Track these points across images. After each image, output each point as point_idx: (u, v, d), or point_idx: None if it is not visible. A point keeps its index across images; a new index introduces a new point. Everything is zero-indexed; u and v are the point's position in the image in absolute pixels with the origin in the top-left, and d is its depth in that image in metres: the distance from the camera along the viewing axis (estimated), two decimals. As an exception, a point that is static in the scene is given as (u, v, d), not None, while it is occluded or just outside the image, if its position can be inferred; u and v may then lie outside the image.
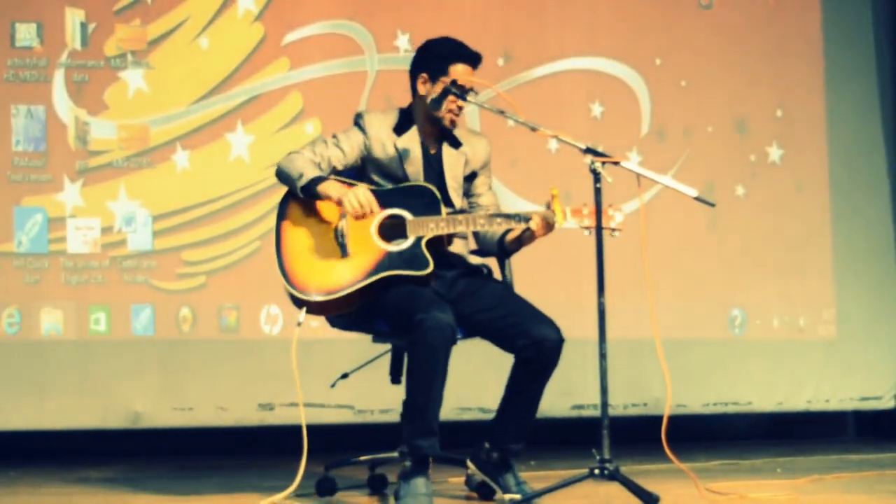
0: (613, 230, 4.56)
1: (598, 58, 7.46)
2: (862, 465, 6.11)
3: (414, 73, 4.85)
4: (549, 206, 4.60)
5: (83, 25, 6.77)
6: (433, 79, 4.79)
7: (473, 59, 4.81)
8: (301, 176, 4.65)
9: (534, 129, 4.70)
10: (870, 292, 7.83)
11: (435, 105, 4.77)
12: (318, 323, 4.96)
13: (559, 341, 4.61)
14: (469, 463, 4.80)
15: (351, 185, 4.68)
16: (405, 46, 6.99)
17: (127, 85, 6.80)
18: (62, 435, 6.63)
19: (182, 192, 6.82)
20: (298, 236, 4.71)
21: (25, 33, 6.71)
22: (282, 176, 4.73)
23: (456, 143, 4.89)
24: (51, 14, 6.72)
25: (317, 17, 7.05)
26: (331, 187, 4.62)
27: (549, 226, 4.64)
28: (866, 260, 7.84)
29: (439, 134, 4.86)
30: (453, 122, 4.81)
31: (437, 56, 4.82)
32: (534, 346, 4.60)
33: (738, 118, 7.68)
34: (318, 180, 4.63)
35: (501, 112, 4.84)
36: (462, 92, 4.75)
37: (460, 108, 4.79)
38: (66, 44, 6.74)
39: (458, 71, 4.77)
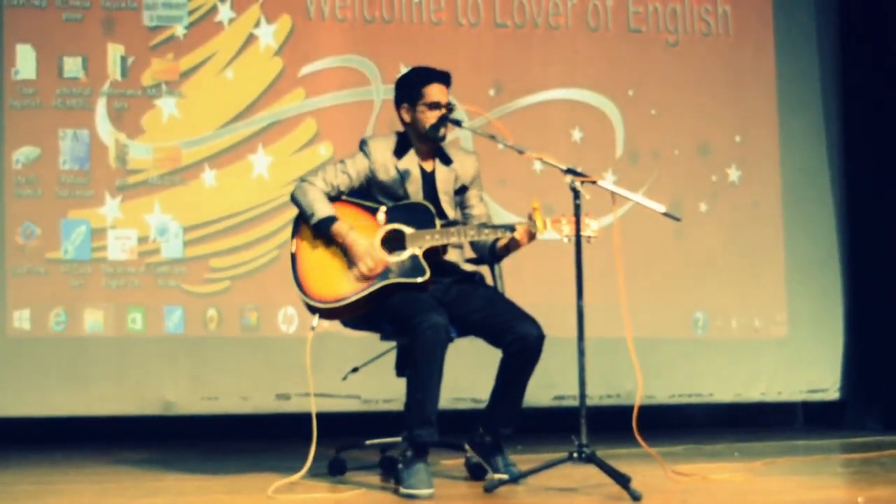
0: (589, 238, 4.56)
1: (578, 89, 7.46)
2: (809, 450, 6.10)
3: (397, 106, 4.87)
4: (530, 218, 4.61)
5: (123, 59, 6.77)
6: (413, 105, 4.81)
7: (441, 77, 4.82)
8: (313, 215, 4.67)
9: (521, 152, 4.71)
10: (817, 297, 7.81)
11: (432, 131, 4.78)
12: (331, 322, 4.95)
13: (541, 337, 4.63)
14: (467, 445, 4.81)
15: (368, 209, 4.71)
16: (407, 78, 6.97)
17: (161, 111, 6.79)
18: (102, 421, 6.62)
19: (209, 207, 6.81)
20: (311, 249, 4.72)
21: (72, 66, 6.71)
22: (296, 204, 4.76)
23: (447, 161, 4.90)
24: (95, 49, 6.73)
25: (329, 52, 7.06)
26: (343, 236, 4.64)
27: (531, 235, 4.67)
28: (814, 269, 7.82)
29: (432, 152, 4.87)
30: (445, 134, 4.80)
31: (410, 85, 4.84)
32: (519, 341, 4.61)
33: (701, 143, 7.67)
34: (329, 221, 4.65)
35: (492, 136, 4.84)
36: (456, 120, 4.78)
37: (442, 118, 4.77)
38: (107, 75, 6.74)
39: (433, 90, 4.78)
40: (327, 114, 7.00)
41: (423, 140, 4.83)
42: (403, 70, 6.97)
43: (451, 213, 4.88)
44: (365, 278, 4.63)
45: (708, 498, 4.33)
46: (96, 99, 6.71)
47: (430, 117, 4.78)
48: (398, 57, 7.05)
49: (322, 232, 4.68)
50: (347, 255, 4.67)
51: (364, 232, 4.68)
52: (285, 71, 6.97)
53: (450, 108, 4.81)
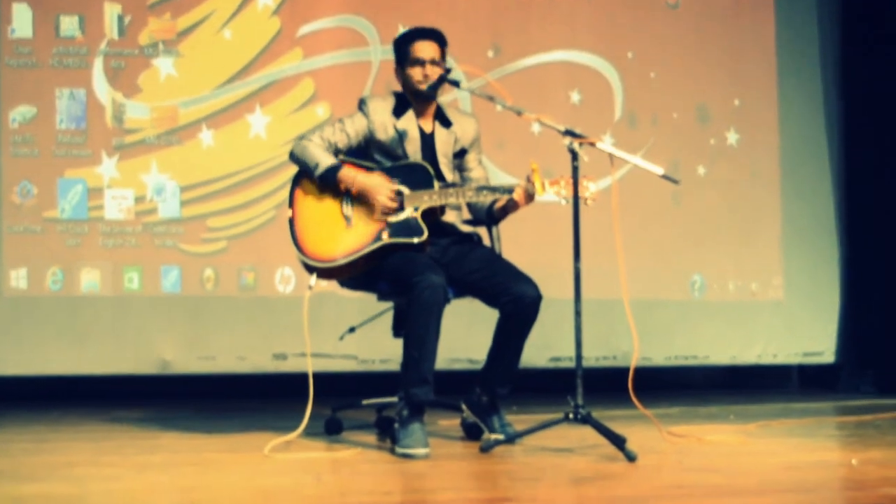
0: (587, 200, 4.55)
1: (577, 51, 7.43)
2: (804, 413, 6.11)
3: (396, 69, 4.86)
4: (529, 179, 4.60)
5: (120, 18, 6.73)
6: (402, 65, 4.80)
7: (426, 33, 4.81)
8: (317, 165, 4.66)
9: (519, 114, 4.69)
10: (813, 261, 7.83)
11: (418, 85, 4.76)
12: (328, 283, 4.95)
13: (538, 298, 4.63)
14: (463, 406, 4.82)
15: (367, 169, 4.70)
16: (406, 39, 6.95)
17: (158, 71, 6.77)
18: (99, 379, 6.63)
19: (207, 167, 6.80)
20: (308, 210, 4.71)
21: (69, 25, 6.67)
22: (296, 161, 4.74)
23: (447, 123, 4.88)
24: (91, 8, 6.70)
25: (327, 12, 7.03)
26: (351, 178, 4.63)
27: (529, 196, 4.65)
28: (810, 233, 7.84)
29: (432, 114, 4.85)
30: (427, 90, 4.76)
31: (399, 46, 4.85)
32: (515, 302, 4.62)
33: (700, 106, 7.66)
34: (335, 168, 4.64)
35: (491, 98, 4.82)
36: (454, 80, 4.76)
37: (426, 76, 4.76)
38: (104, 34, 6.71)
39: (416, 47, 4.77)
40: (325, 74, 6.98)
41: (417, 99, 4.81)
42: (402, 30, 6.98)
43: (450, 175, 4.87)
44: (385, 213, 4.61)
45: (703, 459, 4.34)
46: (93, 58, 6.68)
47: (415, 73, 4.77)
48: (396, 17, 7.02)
49: (329, 181, 4.65)
50: (348, 213, 4.65)
51: (368, 174, 4.68)
52: (283, 31, 6.95)
53: (447, 69, 4.80)
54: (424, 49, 4.77)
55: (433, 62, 4.76)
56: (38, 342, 6.52)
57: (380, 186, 4.64)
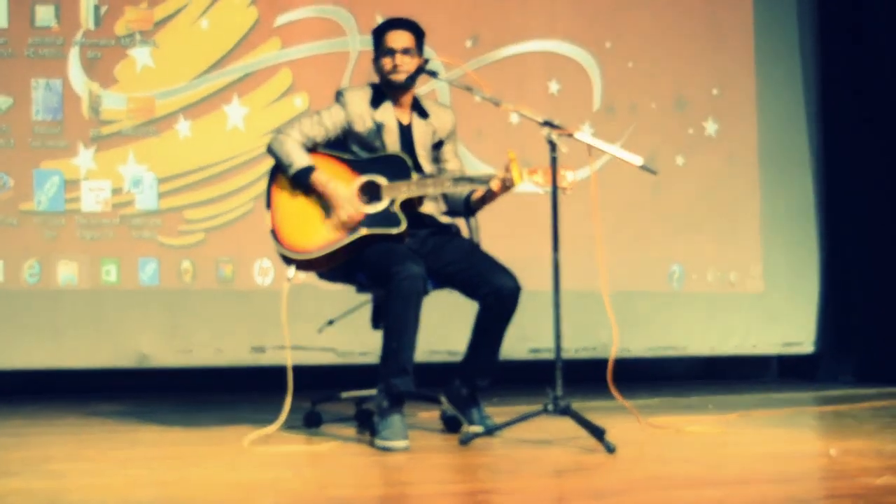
0: (565, 189, 4.55)
1: (556, 41, 7.43)
2: (783, 403, 6.14)
3: (373, 60, 4.85)
4: (507, 168, 4.60)
5: (96, 7, 6.70)
6: (377, 55, 4.79)
7: (399, 24, 4.80)
8: (291, 165, 4.65)
9: (497, 104, 4.69)
10: (792, 251, 7.86)
11: (388, 75, 4.76)
12: (306, 275, 4.94)
13: (517, 289, 4.63)
14: (442, 398, 4.82)
15: (345, 161, 4.69)
16: (384, 29, 6.93)
17: (135, 61, 6.74)
18: (77, 373, 6.61)
19: (184, 158, 6.78)
20: (287, 201, 4.70)
21: (44, 14, 6.64)
22: (273, 155, 4.73)
23: (424, 115, 4.87)
24: (67, -3, 6.67)
25: (305, 1, 7.01)
26: (322, 185, 4.63)
27: (506, 186, 4.65)
28: (789, 222, 7.86)
29: (409, 106, 4.85)
30: (399, 78, 4.75)
31: (375, 36, 4.84)
32: (495, 293, 4.62)
33: (678, 96, 7.67)
34: (308, 171, 4.63)
35: (469, 88, 4.82)
36: (432, 71, 4.75)
37: (395, 66, 4.75)
38: (80, 24, 6.68)
39: (391, 37, 4.77)
40: (303, 64, 6.96)
41: (389, 89, 4.80)
42: (380, 21, 6.97)
43: (428, 167, 4.86)
44: (344, 227, 4.61)
45: (683, 450, 4.35)
46: (69, 48, 6.64)
47: (386, 63, 4.77)
48: (374, 7, 7.00)
49: (301, 182, 4.66)
50: (326, 205, 4.65)
51: (340, 183, 4.67)
52: (261, 20, 6.92)
53: (425, 59, 4.79)
54: (396, 39, 4.77)
55: (405, 51, 4.75)
56: (14, 336, 6.49)
57: (344, 201, 4.62)
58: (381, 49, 4.79)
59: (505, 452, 4.32)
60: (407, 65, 4.76)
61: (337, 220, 4.63)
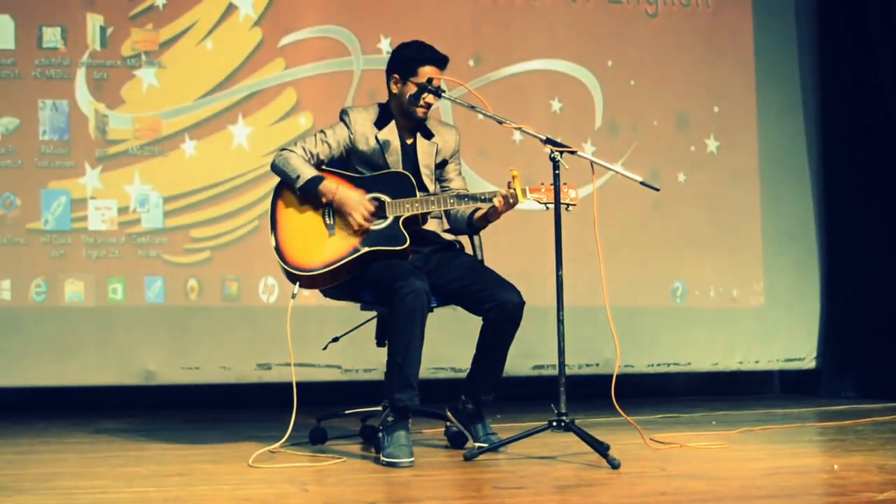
0: (568, 206, 4.57)
1: (558, 60, 7.45)
2: (786, 419, 6.14)
3: (388, 74, 4.84)
4: (509, 186, 4.62)
5: (102, 29, 6.73)
6: (404, 79, 4.78)
7: (440, 61, 4.78)
8: (298, 177, 4.66)
9: (500, 122, 4.71)
10: (794, 268, 7.85)
11: (411, 101, 4.76)
12: (311, 293, 4.96)
13: (520, 304, 4.64)
14: (448, 413, 4.82)
15: (349, 179, 4.70)
16: (387, 49, 6.95)
17: (141, 82, 6.76)
18: (84, 391, 6.61)
19: (190, 177, 6.80)
20: (291, 219, 4.71)
21: (51, 36, 6.66)
22: (278, 172, 4.74)
23: (428, 135, 4.89)
24: (74, 19, 6.68)
25: (309, 22, 7.03)
26: (332, 192, 4.63)
27: (509, 203, 4.66)
28: (790, 239, 7.86)
29: (414, 126, 4.86)
30: (424, 115, 4.81)
31: (407, 59, 4.80)
32: (498, 308, 4.63)
33: (679, 114, 7.68)
34: (316, 181, 4.64)
35: (472, 107, 4.84)
36: (437, 91, 4.76)
37: (429, 105, 4.78)
38: (87, 45, 6.70)
39: (427, 72, 4.75)
40: (307, 84, 6.98)
41: (403, 114, 4.82)
42: (383, 41, 6.96)
43: (431, 186, 4.87)
44: (357, 233, 4.61)
45: (686, 466, 4.36)
46: (76, 69, 6.67)
47: (416, 96, 4.75)
48: (379, 28, 7.03)
49: (310, 193, 4.66)
50: (329, 223, 4.66)
51: (349, 189, 4.68)
52: (265, 41, 6.94)
53: (429, 79, 4.79)
54: (436, 76, 4.75)
55: (428, 81, 4.75)
56: (22, 353, 6.50)
57: (357, 204, 4.64)
58: (411, 74, 4.74)
59: (510, 468, 4.33)
60: (432, 102, 4.78)
61: (355, 222, 4.62)
